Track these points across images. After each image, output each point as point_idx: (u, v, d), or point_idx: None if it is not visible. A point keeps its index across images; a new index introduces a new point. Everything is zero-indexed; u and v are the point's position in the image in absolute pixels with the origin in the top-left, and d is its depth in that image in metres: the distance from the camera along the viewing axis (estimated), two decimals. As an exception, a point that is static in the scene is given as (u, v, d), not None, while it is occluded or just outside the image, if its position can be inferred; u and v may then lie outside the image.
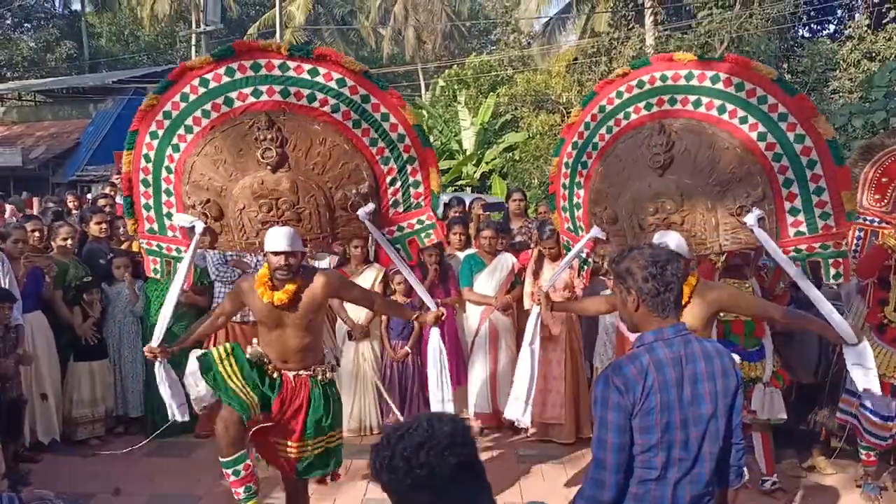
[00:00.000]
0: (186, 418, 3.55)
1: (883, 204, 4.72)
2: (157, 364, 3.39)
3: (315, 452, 3.46)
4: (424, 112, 17.07)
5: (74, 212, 8.17)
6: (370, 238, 5.66)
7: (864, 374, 3.12)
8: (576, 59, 18.21)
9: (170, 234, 3.70)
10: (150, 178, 3.60)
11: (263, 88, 3.41)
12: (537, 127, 15.22)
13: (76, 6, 32.86)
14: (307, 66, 3.42)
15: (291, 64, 3.42)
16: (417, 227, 3.81)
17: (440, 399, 3.83)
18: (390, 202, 3.72)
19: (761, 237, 3.25)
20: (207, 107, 3.44)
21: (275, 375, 3.40)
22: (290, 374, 3.40)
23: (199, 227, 3.52)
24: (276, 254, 3.23)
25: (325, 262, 5.79)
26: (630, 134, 3.63)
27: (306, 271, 3.40)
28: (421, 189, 3.73)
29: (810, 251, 3.39)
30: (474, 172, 15.54)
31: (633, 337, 2.22)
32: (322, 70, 3.42)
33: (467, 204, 7.66)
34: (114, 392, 5.33)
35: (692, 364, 2.04)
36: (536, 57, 23.01)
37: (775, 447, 4.41)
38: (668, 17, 17.89)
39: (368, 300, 3.81)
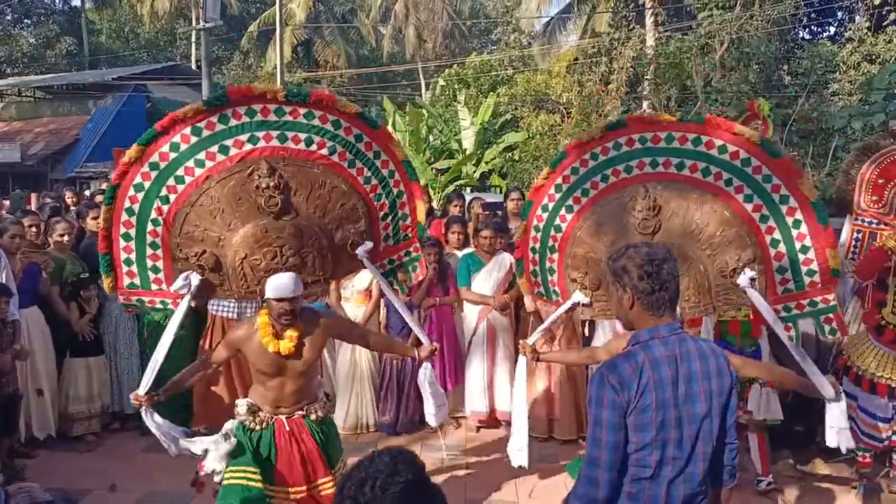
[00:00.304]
0: (197, 451, 3.28)
1: (881, 205, 4.73)
2: (143, 412, 3.23)
3: (326, 493, 3.39)
4: (424, 111, 17.06)
5: (72, 208, 8.17)
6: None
7: (836, 432, 3.13)
8: (576, 59, 18.22)
9: (154, 287, 3.56)
10: (132, 231, 3.45)
11: (260, 134, 3.35)
12: (537, 127, 15.22)
13: (76, 2, 32.86)
14: (302, 110, 3.38)
15: (287, 108, 3.36)
16: (406, 259, 3.87)
17: (431, 412, 3.86)
18: (382, 237, 3.76)
19: (754, 298, 3.27)
20: (201, 156, 3.33)
21: (264, 426, 3.32)
22: (283, 419, 3.33)
23: (195, 280, 3.40)
24: (279, 300, 3.17)
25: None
26: (610, 197, 3.54)
27: (306, 314, 3.35)
28: (408, 221, 3.81)
29: (800, 308, 3.44)
30: (474, 172, 15.54)
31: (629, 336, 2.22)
32: (317, 113, 3.41)
33: (467, 202, 7.66)
34: (110, 388, 5.32)
35: (687, 362, 2.04)
36: (537, 57, 23.02)
37: (771, 447, 4.41)
38: (668, 18, 17.90)
39: (366, 342, 3.82)
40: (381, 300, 5.44)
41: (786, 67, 15.49)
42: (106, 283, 3.56)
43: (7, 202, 9.35)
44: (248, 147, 3.34)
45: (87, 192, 9.75)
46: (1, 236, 4.81)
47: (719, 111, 12.94)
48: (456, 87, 18.95)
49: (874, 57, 13.99)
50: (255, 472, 3.20)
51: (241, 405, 3.37)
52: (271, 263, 3.38)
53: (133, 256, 3.51)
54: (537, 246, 3.82)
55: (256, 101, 3.32)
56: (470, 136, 15.67)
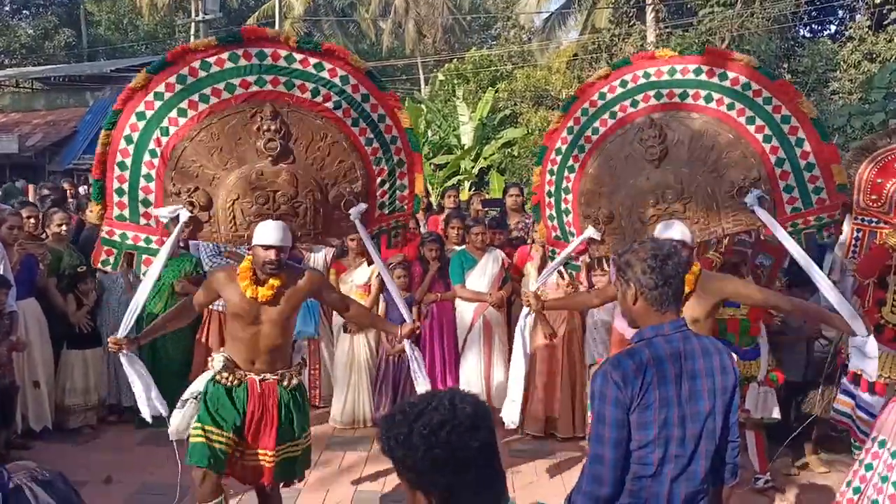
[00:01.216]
0: (165, 411, 3.34)
1: (881, 204, 4.72)
2: (122, 356, 3.23)
3: (286, 457, 3.38)
4: (423, 106, 17.01)
5: (70, 199, 8.13)
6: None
7: (863, 361, 3.18)
8: (575, 55, 18.18)
9: (142, 221, 3.50)
10: (128, 161, 3.43)
11: (268, 78, 3.37)
12: (536, 123, 15.20)
13: (75, -7, 32.70)
14: (313, 60, 3.40)
15: (298, 56, 3.38)
16: (393, 224, 3.82)
17: (420, 379, 3.82)
18: (377, 203, 3.70)
19: (762, 216, 3.33)
20: (207, 91, 3.35)
21: (237, 383, 3.30)
22: (257, 379, 3.29)
23: (184, 215, 3.38)
24: (266, 248, 3.15)
25: (321, 255, 5.77)
26: (618, 132, 3.68)
27: (290, 267, 3.33)
28: (406, 193, 3.75)
29: (806, 224, 3.51)
30: (472, 167, 15.50)
31: (629, 333, 2.20)
32: (328, 65, 3.41)
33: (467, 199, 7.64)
34: (107, 381, 5.31)
35: (691, 360, 2.02)
36: (536, 53, 22.96)
37: (769, 445, 4.41)
38: (669, 15, 17.86)
39: (345, 306, 3.65)
40: (381, 294, 5.43)
41: (786, 65, 15.47)
42: (95, 210, 3.51)
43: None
44: (255, 89, 3.37)
45: (82, 189, 9.68)
46: (-1, 227, 4.79)
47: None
48: (455, 82, 18.89)
49: (874, 56, 13.97)
50: (219, 433, 3.19)
51: (218, 359, 3.34)
52: (262, 208, 3.37)
53: (125, 186, 3.48)
54: (552, 189, 3.93)
55: (268, 45, 3.34)
56: (468, 132, 15.62)
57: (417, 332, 3.65)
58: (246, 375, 3.30)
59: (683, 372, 2.01)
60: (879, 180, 4.71)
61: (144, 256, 3.51)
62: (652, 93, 3.59)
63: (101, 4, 32.19)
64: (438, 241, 5.60)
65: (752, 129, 3.44)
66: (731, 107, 3.46)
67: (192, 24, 18.76)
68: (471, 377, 5.39)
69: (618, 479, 1.98)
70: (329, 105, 3.45)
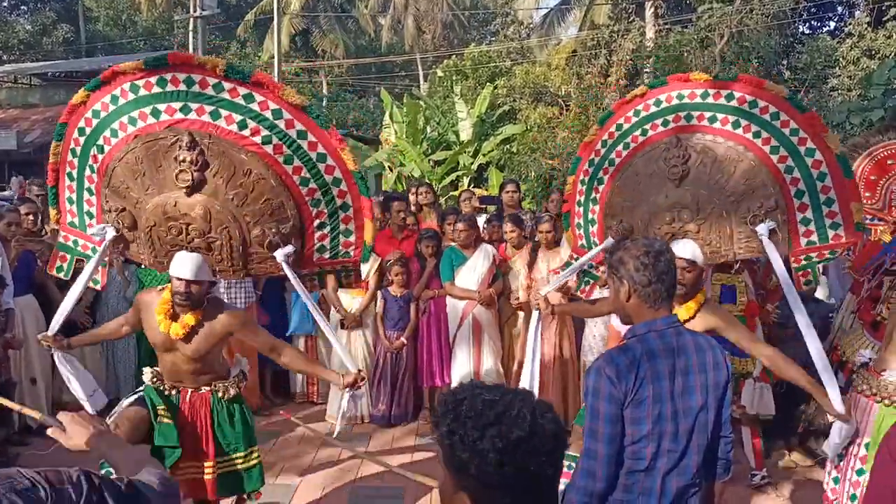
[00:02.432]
0: (103, 403, 3.41)
1: (874, 201, 4.74)
2: (55, 354, 3.27)
3: (229, 471, 3.35)
4: (422, 103, 17.00)
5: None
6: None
7: (834, 447, 3.12)
8: (574, 51, 18.16)
9: (89, 231, 3.56)
10: (74, 172, 3.47)
11: (194, 106, 3.21)
12: (535, 119, 15.19)
13: (73, -11, 32.61)
14: (243, 91, 3.18)
15: (227, 85, 3.18)
16: (340, 268, 3.60)
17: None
18: (315, 246, 3.47)
19: (769, 248, 3.36)
20: (134, 114, 3.24)
21: (173, 392, 3.33)
22: (189, 389, 3.33)
23: (110, 234, 3.36)
24: (178, 279, 3.12)
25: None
26: (647, 149, 3.71)
27: (212, 303, 3.27)
28: (352, 238, 3.49)
29: (821, 257, 3.53)
30: (471, 164, 15.50)
31: (623, 329, 2.21)
32: (258, 97, 3.19)
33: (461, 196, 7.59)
34: (104, 377, 5.32)
35: (684, 356, 2.04)
36: (535, 49, 22.94)
37: (766, 441, 4.42)
38: (668, 11, 17.85)
39: (276, 352, 3.43)
40: (379, 292, 5.43)
41: (785, 62, 15.47)
42: (52, 215, 3.59)
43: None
44: (179, 116, 3.22)
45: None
46: (-5, 223, 4.79)
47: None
48: (454, 78, 18.88)
49: (874, 52, 13.97)
50: (165, 409, 3.25)
51: (147, 373, 3.36)
52: (175, 239, 3.30)
53: (74, 196, 3.54)
54: (582, 199, 3.98)
55: (197, 71, 3.17)
56: (467, 128, 15.62)
57: (360, 383, 3.40)
58: (176, 388, 3.33)
59: (676, 367, 2.02)
60: (873, 177, 4.73)
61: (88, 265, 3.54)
62: (683, 114, 3.62)
63: (100, 0, 32.12)
64: (435, 237, 5.60)
65: (775, 158, 3.44)
66: (756, 135, 3.46)
67: (191, 19, 18.70)
68: (461, 375, 5.38)
69: (611, 474, 1.99)
70: (257, 139, 3.21)
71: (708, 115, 3.57)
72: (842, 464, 3.15)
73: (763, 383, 4.24)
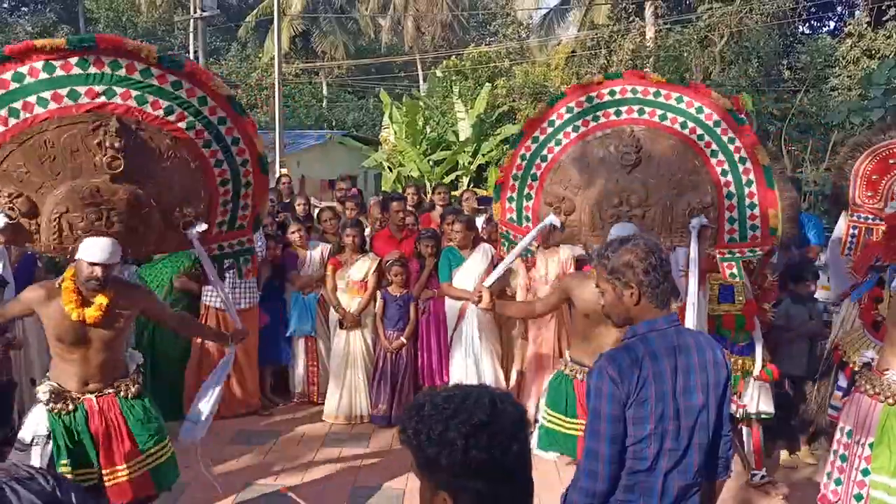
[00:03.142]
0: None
1: (876, 200, 4.72)
2: None
3: (145, 469, 3.30)
4: (421, 103, 17.00)
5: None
6: (364, 227, 5.68)
7: None
8: (573, 51, 18.17)
9: None
10: None
11: (119, 90, 3.14)
12: (535, 119, 15.17)
13: (73, -9, 32.62)
14: (172, 78, 3.23)
15: (155, 71, 3.19)
16: (238, 247, 3.77)
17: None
18: (216, 221, 3.64)
19: (694, 240, 3.67)
20: (46, 95, 3.09)
21: (75, 408, 3.19)
22: (93, 398, 3.22)
23: (1, 221, 3.16)
24: (91, 264, 3.07)
25: (318, 251, 5.77)
26: (597, 135, 3.96)
27: (117, 283, 3.26)
28: (248, 212, 3.72)
29: (741, 253, 3.89)
30: (471, 163, 15.50)
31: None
32: (186, 84, 3.27)
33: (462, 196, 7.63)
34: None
35: (685, 355, 2.03)
36: (535, 49, 22.94)
37: (768, 440, 4.41)
38: (668, 11, 17.85)
39: (176, 322, 3.70)
40: (378, 292, 5.43)
41: (785, 62, 15.46)
42: None
43: None
44: (102, 100, 3.15)
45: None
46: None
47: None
48: (453, 78, 18.88)
49: (874, 52, 13.96)
50: (85, 471, 3.14)
51: (43, 391, 3.20)
52: (93, 225, 3.21)
53: None
54: (520, 173, 4.16)
55: (125, 56, 3.13)
56: (466, 128, 15.62)
57: (244, 336, 3.66)
58: (80, 398, 3.20)
59: (678, 366, 2.01)
60: (875, 176, 4.71)
61: None
62: (636, 107, 3.89)
63: (100, 2, 32.14)
64: (435, 237, 5.60)
65: (714, 161, 3.80)
66: (700, 137, 3.79)
67: (191, 21, 18.71)
68: (458, 375, 5.36)
69: (613, 474, 1.98)
70: (182, 125, 3.30)
71: (659, 112, 3.84)
72: (845, 465, 3.14)
73: (762, 382, 4.24)
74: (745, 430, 4.33)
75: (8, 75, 3.08)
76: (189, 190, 3.43)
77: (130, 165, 3.20)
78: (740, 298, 4.27)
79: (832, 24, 18.28)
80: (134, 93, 3.18)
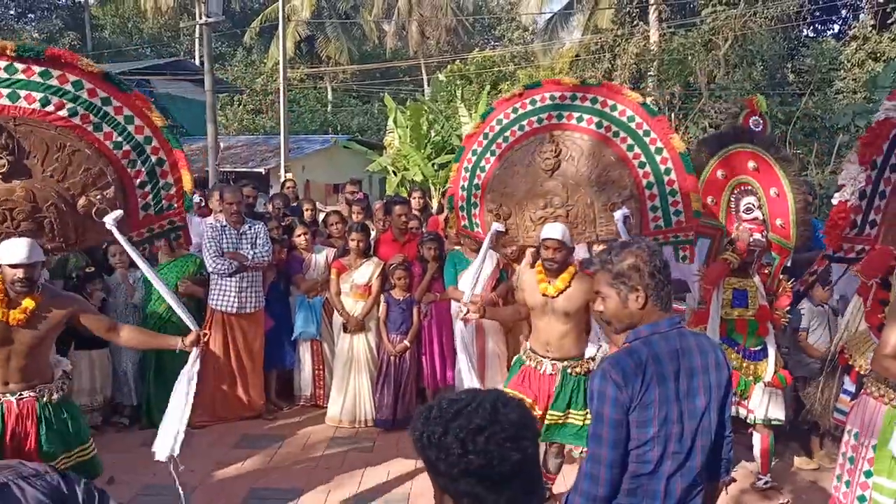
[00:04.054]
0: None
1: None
2: None
3: (65, 467, 3.22)
4: (425, 107, 17.03)
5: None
6: (370, 231, 5.68)
7: None
8: (577, 55, 18.18)
9: None
10: None
11: None
12: (539, 123, 15.17)
13: (80, -3, 32.83)
14: (38, 69, 3.23)
15: (20, 66, 3.20)
16: (168, 227, 3.72)
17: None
18: (140, 205, 3.60)
19: (622, 231, 3.86)
20: None
21: None
22: (13, 400, 3.18)
23: None
24: (13, 266, 3.05)
25: (322, 255, 5.78)
26: (524, 143, 4.21)
27: (47, 289, 3.25)
28: (173, 191, 3.65)
29: (665, 239, 4.07)
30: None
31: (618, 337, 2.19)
32: (55, 72, 3.26)
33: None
34: (112, 381, 5.33)
35: (688, 357, 2.02)
36: (539, 53, 22.96)
37: (779, 443, 4.38)
38: (672, 14, 17.85)
39: (112, 330, 3.48)
40: (381, 295, 5.43)
41: (790, 65, 15.44)
42: None
43: None
44: None
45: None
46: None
47: (723, 108, 12.90)
48: (458, 83, 18.91)
49: (879, 55, 13.93)
50: None
51: None
52: (1, 227, 3.24)
53: None
54: (466, 184, 4.47)
55: None
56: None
57: (204, 338, 3.51)
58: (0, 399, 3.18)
59: (681, 369, 2.00)
60: (880, 178, 4.69)
61: None
62: (555, 113, 4.11)
63: (106, 8, 32.33)
64: (437, 240, 5.60)
65: (630, 154, 4.00)
66: (615, 134, 4.00)
67: (196, 26, 18.80)
68: (464, 380, 5.35)
69: (615, 478, 1.97)
70: (63, 113, 3.29)
71: (576, 115, 4.08)
72: (853, 467, 3.13)
73: (774, 388, 4.20)
74: (754, 434, 4.30)
75: None
76: (94, 176, 3.39)
77: (19, 162, 3.23)
78: (754, 303, 4.23)
79: (836, 27, 18.26)
80: (5, 91, 3.21)
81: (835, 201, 3.99)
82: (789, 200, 4.42)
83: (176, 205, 3.67)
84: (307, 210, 6.84)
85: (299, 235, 5.78)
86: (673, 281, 2.16)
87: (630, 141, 3.99)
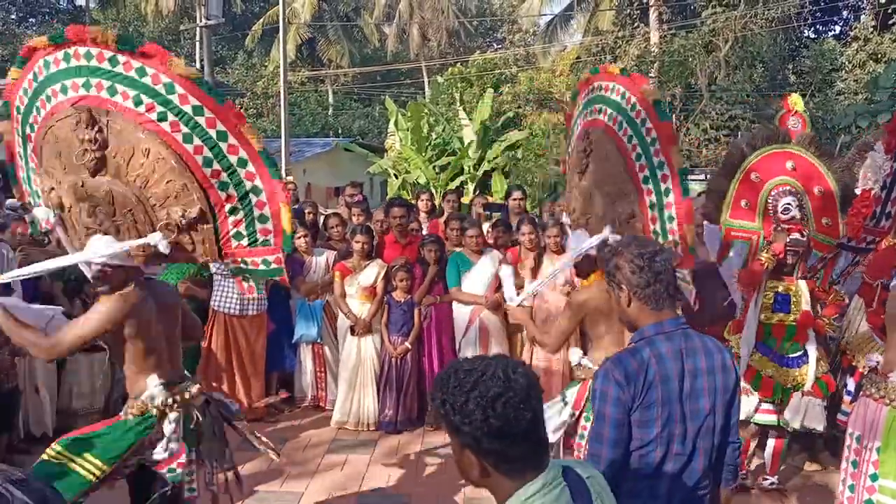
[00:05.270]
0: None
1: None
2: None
3: None
4: (425, 109, 17.05)
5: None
6: (373, 233, 5.67)
7: None
8: (578, 57, 18.19)
9: (34, 212, 3.45)
10: (20, 151, 3.41)
11: (94, 81, 3.06)
12: (540, 125, 15.20)
13: (80, 1, 32.91)
14: (136, 64, 3.01)
15: (121, 59, 3.01)
16: (262, 267, 3.29)
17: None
18: (231, 233, 3.22)
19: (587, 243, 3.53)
20: (49, 91, 3.13)
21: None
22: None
23: (52, 217, 3.23)
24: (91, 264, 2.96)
25: (323, 258, 5.77)
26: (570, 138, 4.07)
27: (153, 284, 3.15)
28: (269, 225, 3.22)
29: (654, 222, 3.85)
30: (476, 169, 15.51)
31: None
32: (150, 70, 3.00)
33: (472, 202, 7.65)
34: (111, 384, 5.32)
35: (692, 358, 2.01)
36: (540, 55, 22.98)
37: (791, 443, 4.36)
38: (672, 16, 17.85)
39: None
40: (385, 297, 5.42)
41: (790, 66, 15.44)
42: (16, 192, 3.55)
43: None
44: (82, 92, 3.07)
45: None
46: (3, 232, 4.80)
47: (725, 109, 12.91)
48: (459, 85, 18.92)
49: (880, 56, 13.93)
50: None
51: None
52: (88, 221, 3.17)
53: (24, 176, 3.46)
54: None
55: (93, 45, 3.04)
56: (470, 134, 15.64)
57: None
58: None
59: (685, 369, 1.99)
60: (883, 178, 4.67)
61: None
62: (598, 106, 3.87)
63: (107, 12, 32.41)
64: (438, 242, 5.59)
65: (636, 167, 3.71)
66: (630, 139, 3.72)
67: (197, 29, 18.82)
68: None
69: (616, 478, 1.96)
70: (153, 116, 3.01)
71: (610, 110, 3.83)
72: (857, 470, 3.11)
73: (814, 397, 4.09)
74: (770, 438, 4.25)
75: (31, 76, 3.18)
76: (177, 190, 3.08)
77: (106, 160, 3.10)
78: (797, 308, 4.01)
79: (837, 28, 18.25)
80: (105, 83, 3.05)
81: (858, 190, 3.92)
82: (836, 197, 4.30)
83: (273, 242, 3.23)
84: (308, 213, 6.83)
85: (299, 238, 5.77)
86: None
87: (639, 150, 3.73)
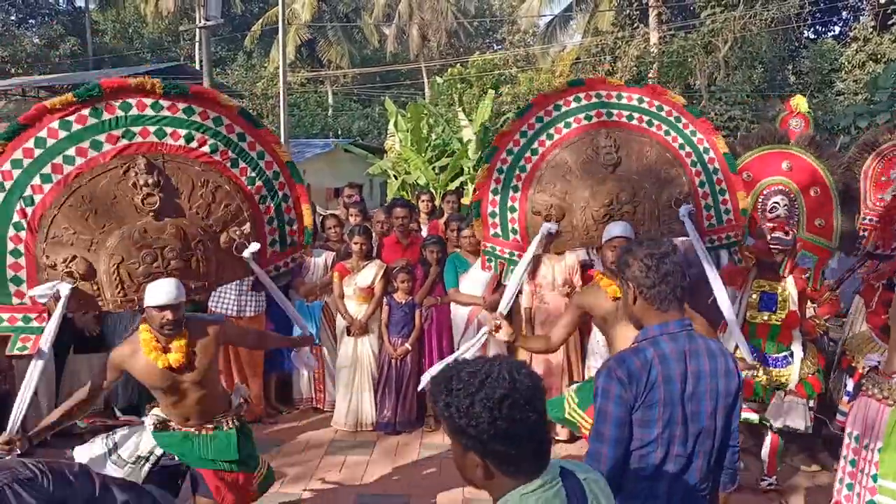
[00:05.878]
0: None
1: (885, 203, 4.69)
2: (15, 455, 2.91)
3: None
4: (425, 110, 17.04)
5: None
6: (372, 234, 5.67)
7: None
8: (578, 58, 18.20)
9: (15, 301, 3.14)
10: None
11: (136, 129, 3.20)
12: (540, 126, 15.17)
13: (80, 3, 32.93)
14: (182, 105, 3.29)
15: (165, 103, 3.25)
16: (291, 265, 3.85)
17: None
18: (269, 241, 3.66)
19: (688, 227, 3.81)
20: (71, 152, 3.11)
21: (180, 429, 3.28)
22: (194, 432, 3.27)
23: (65, 289, 3.08)
24: (161, 308, 2.98)
25: (321, 259, 5.76)
26: (572, 140, 4.04)
27: (190, 322, 3.19)
28: (295, 227, 3.75)
29: (719, 241, 4.07)
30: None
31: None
32: (197, 109, 3.34)
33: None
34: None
35: (696, 360, 2.00)
36: (539, 56, 22.99)
37: (788, 443, 4.34)
38: (671, 17, 17.86)
39: (262, 341, 3.99)
40: (384, 298, 5.41)
41: (790, 66, 15.44)
42: None
43: None
44: (124, 143, 3.18)
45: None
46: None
47: (724, 110, 12.90)
48: (458, 86, 18.92)
49: (879, 56, 13.93)
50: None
51: (148, 422, 3.24)
52: (151, 268, 3.15)
53: None
54: (499, 187, 4.15)
55: (132, 95, 3.19)
56: (470, 135, 15.64)
57: (311, 342, 3.82)
58: (181, 429, 3.24)
59: (688, 371, 1.99)
60: (884, 178, 4.68)
61: (22, 335, 3.16)
62: (603, 111, 4.03)
63: (107, 13, 32.45)
64: (440, 243, 5.58)
65: (683, 153, 3.99)
66: (667, 133, 4.00)
67: (196, 30, 18.82)
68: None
69: (616, 477, 1.96)
70: (206, 149, 3.36)
71: (626, 113, 4.03)
72: (855, 470, 3.10)
73: (796, 397, 4.09)
74: (766, 437, 4.24)
75: (30, 143, 3.10)
76: (233, 212, 3.45)
77: (168, 199, 3.25)
78: (783, 308, 4.04)
79: (837, 28, 18.25)
80: (151, 128, 3.25)
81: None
82: (833, 199, 4.30)
83: (297, 240, 3.77)
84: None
85: (299, 238, 5.77)
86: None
87: (681, 140, 4.01)
